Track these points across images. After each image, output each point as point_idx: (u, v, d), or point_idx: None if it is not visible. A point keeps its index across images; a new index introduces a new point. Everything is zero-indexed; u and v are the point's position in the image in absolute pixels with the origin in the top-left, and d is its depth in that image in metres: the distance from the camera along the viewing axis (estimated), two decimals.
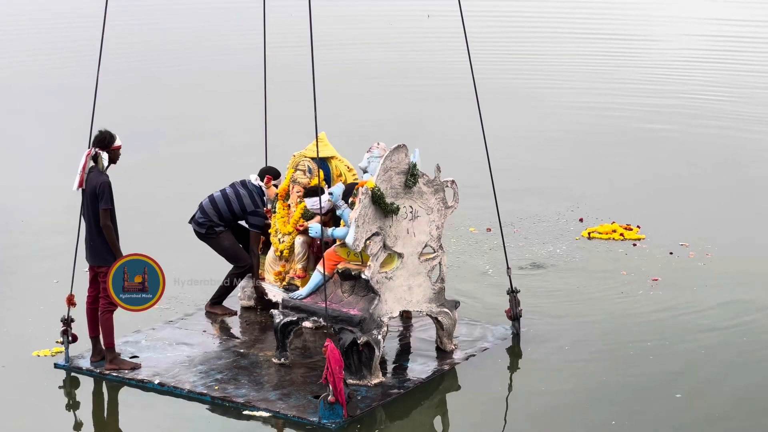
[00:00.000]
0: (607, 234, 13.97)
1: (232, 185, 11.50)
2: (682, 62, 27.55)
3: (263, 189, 11.43)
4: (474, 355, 10.61)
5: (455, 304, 10.76)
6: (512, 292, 11.04)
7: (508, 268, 11.30)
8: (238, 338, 11.07)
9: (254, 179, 11.47)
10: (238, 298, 11.78)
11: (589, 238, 14.01)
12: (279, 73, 23.02)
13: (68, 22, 35.07)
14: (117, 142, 10.19)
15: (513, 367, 10.67)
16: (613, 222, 14.25)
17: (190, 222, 11.60)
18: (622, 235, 13.88)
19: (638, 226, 14.15)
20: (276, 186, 11.36)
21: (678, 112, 21.76)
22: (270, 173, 11.47)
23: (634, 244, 13.72)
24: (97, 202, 10.02)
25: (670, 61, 27.67)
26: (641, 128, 20.51)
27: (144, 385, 9.98)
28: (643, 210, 15.14)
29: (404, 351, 10.79)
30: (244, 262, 11.48)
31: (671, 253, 13.43)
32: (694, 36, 32.22)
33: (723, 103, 22.61)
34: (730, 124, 20.83)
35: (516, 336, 11.00)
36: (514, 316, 11.03)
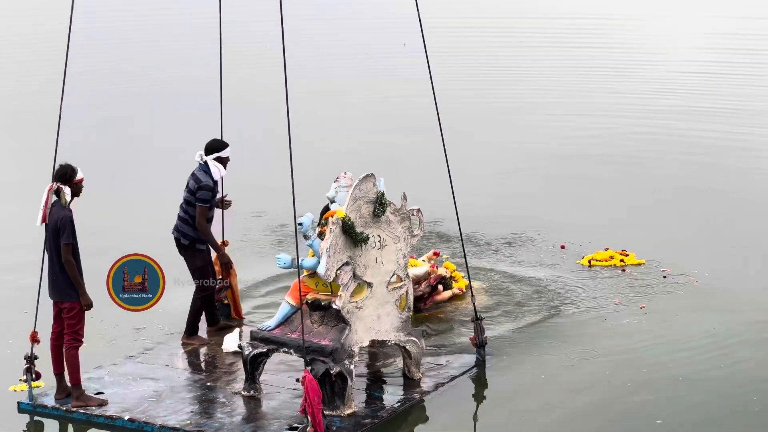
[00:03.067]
0: (606, 261, 13.97)
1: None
2: (664, 85, 27.64)
3: (208, 165, 11.27)
4: (442, 384, 10.61)
5: (422, 333, 10.78)
6: (477, 320, 11.08)
7: (472, 295, 11.36)
8: (202, 371, 10.94)
9: (198, 156, 11.37)
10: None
11: (590, 265, 13.98)
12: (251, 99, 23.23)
13: (30, 52, 34.75)
14: (78, 175, 10.01)
15: (479, 396, 10.71)
16: (607, 249, 14.27)
17: (173, 232, 11.48)
18: (622, 261, 13.93)
19: (624, 251, 14.19)
20: None
21: (662, 133, 21.97)
22: (215, 144, 11.35)
23: (623, 270, 13.81)
24: (59, 237, 9.87)
25: (653, 83, 27.80)
26: (625, 153, 20.63)
27: (113, 423, 9.80)
28: (630, 235, 15.15)
29: (372, 381, 10.76)
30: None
31: (664, 277, 13.51)
32: (684, 52, 32.38)
33: (709, 123, 22.74)
34: (717, 143, 21.06)
35: (482, 363, 11.03)
36: (480, 343, 11.07)
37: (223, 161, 11.37)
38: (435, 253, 13.33)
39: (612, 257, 14.01)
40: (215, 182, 11.34)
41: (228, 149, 11.38)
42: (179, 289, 11.71)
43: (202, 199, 11.24)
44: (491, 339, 11.27)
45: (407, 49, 27.93)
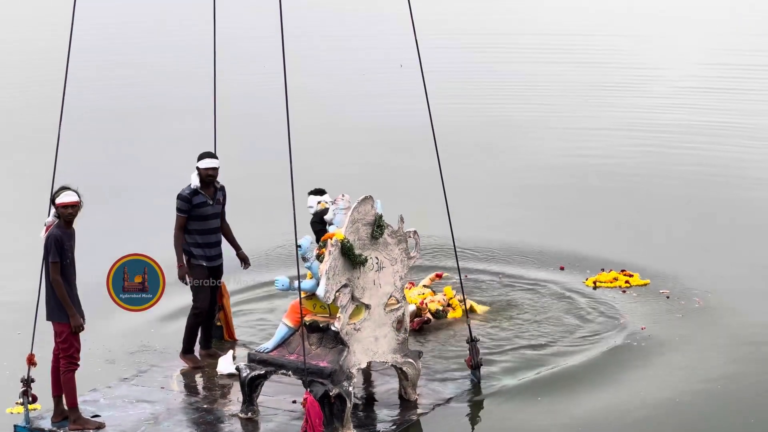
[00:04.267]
0: (611, 282, 13.93)
1: None
2: (666, 101, 27.65)
3: (194, 177, 11.23)
4: (438, 405, 10.64)
5: (419, 354, 10.81)
6: (472, 341, 11.12)
7: (467, 316, 11.40)
8: (198, 394, 10.91)
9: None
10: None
11: (595, 287, 13.94)
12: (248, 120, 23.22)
13: (30, 69, 34.76)
14: (61, 199, 9.77)
15: (474, 417, 10.72)
16: (611, 270, 14.27)
17: None
18: (627, 282, 13.92)
19: (623, 271, 14.20)
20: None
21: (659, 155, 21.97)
22: (200, 155, 11.29)
23: (624, 291, 13.83)
24: (48, 256, 9.83)
25: (655, 99, 27.82)
26: (623, 170, 20.66)
27: None
28: (629, 254, 15.16)
29: (368, 403, 10.75)
30: (199, 303, 11.36)
31: (667, 297, 13.52)
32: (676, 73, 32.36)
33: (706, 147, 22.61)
34: (715, 162, 21.07)
35: (477, 384, 11.06)
36: (475, 364, 11.10)
37: (200, 172, 11.26)
38: (437, 275, 13.38)
39: (616, 278, 14.00)
40: (194, 191, 11.22)
41: (205, 161, 11.24)
42: (176, 309, 11.71)
43: (177, 208, 11.26)
44: (487, 360, 11.31)
45: (405, 67, 28.14)
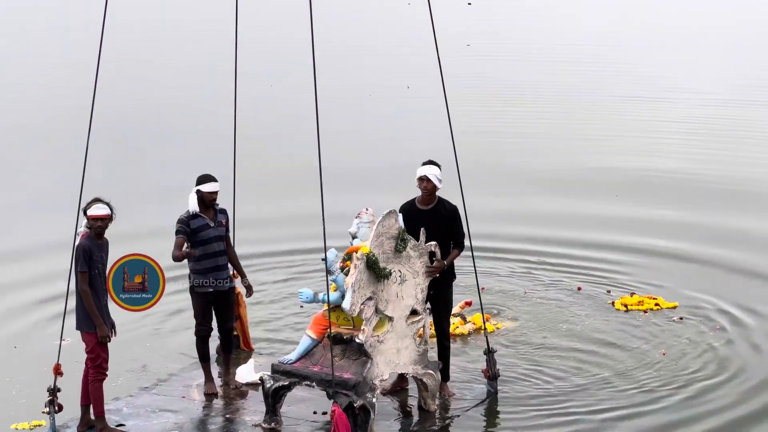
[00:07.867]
0: (639, 305, 13.94)
1: None
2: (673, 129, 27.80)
3: (192, 201, 10.96)
4: (457, 416, 10.80)
5: (438, 365, 10.95)
6: (489, 352, 11.27)
7: (484, 328, 11.55)
8: (220, 403, 11.01)
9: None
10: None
11: (627, 310, 13.91)
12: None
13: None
14: (91, 212, 9.88)
15: (491, 427, 10.85)
16: (633, 293, 14.36)
17: None
18: (657, 305, 13.98)
19: (632, 294, 14.30)
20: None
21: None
22: (198, 178, 11.03)
23: (645, 312, 13.90)
24: (77, 266, 9.93)
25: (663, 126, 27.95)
26: (635, 188, 20.88)
27: None
28: (643, 277, 15.26)
29: (388, 413, 10.87)
30: (198, 326, 11.18)
31: (681, 318, 13.60)
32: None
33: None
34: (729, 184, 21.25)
35: (494, 395, 11.21)
36: (492, 375, 11.25)
37: (203, 195, 10.94)
38: (467, 303, 13.56)
39: (642, 302, 14.03)
40: (193, 215, 10.91)
41: (208, 185, 10.93)
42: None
43: (175, 231, 10.93)
44: (504, 371, 11.46)
45: (419, 83, 28.19)
